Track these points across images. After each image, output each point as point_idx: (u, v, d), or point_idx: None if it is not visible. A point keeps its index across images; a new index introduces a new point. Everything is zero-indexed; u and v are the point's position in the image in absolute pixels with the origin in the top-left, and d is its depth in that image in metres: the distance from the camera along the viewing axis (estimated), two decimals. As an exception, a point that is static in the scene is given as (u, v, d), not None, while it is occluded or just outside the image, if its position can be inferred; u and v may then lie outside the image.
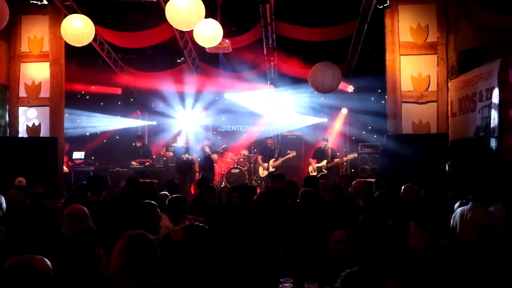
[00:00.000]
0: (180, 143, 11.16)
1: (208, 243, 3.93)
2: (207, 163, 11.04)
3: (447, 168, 7.25)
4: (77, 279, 3.45)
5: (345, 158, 11.57)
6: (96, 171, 10.84)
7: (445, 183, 6.91)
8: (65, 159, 10.94)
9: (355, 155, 11.31)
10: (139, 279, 2.28)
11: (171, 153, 11.06)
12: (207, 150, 10.90)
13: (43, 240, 3.73)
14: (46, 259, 2.17)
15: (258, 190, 7.39)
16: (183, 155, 10.50)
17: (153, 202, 4.42)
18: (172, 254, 3.72)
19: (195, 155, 10.93)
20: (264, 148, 11.75)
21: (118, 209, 4.93)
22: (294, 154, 11.59)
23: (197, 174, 10.62)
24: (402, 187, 5.58)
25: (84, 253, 3.59)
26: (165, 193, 5.31)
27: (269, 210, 5.02)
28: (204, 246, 3.88)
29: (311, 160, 11.19)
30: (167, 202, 4.18)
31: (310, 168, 11.09)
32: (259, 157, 11.62)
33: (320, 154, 11.03)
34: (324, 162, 10.89)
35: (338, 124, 13.44)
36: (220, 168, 12.64)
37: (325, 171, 10.81)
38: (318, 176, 10.61)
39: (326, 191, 6.21)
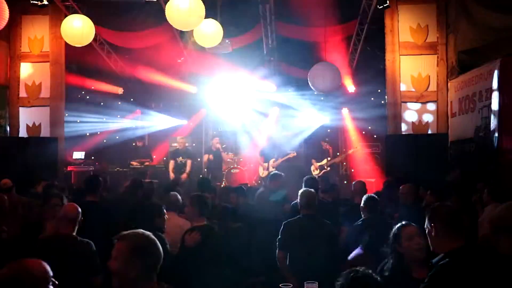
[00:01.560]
0: (178, 145, 11.13)
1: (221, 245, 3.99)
2: (216, 161, 10.99)
3: (451, 175, 7.24)
4: (77, 278, 3.47)
5: (346, 154, 11.58)
6: (96, 171, 10.85)
7: (445, 184, 6.91)
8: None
9: (356, 147, 11.32)
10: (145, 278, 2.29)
11: (172, 163, 10.91)
12: (218, 146, 10.89)
13: (43, 241, 3.74)
14: (42, 262, 2.13)
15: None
16: (177, 158, 10.48)
17: (159, 203, 4.47)
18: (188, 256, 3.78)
19: (206, 155, 10.86)
20: (264, 148, 11.76)
21: (120, 209, 4.96)
22: (295, 154, 11.59)
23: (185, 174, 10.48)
24: (400, 187, 5.58)
25: (84, 251, 3.60)
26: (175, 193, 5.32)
27: (268, 210, 5.04)
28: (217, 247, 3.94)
29: (313, 160, 11.21)
30: (194, 199, 4.31)
31: (312, 167, 11.11)
32: (259, 157, 11.62)
33: (320, 153, 11.07)
34: (325, 161, 10.91)
35: (338, 124, 13.43)
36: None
37: (328, 169, 10.83)
38: (320, 174, 10.65)
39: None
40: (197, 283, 3.70)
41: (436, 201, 5.34)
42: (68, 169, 10.97)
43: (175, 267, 3.73)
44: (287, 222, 4.41)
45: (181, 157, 10.47)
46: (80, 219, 3.80)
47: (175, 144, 11.72)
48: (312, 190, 4.66)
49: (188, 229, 4.08)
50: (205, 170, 11.04)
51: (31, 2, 8.76)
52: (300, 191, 4.60)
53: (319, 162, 11.05)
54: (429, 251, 2.86)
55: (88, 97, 13.03)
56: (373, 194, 5.08)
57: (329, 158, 10.96)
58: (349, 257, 4.11)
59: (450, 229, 2.72)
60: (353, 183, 6.11)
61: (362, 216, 4.72)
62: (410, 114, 9.43)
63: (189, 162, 10.67)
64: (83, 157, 11.82)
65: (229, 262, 3.91)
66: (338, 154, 11.76)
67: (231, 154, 12.12)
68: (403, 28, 9.35)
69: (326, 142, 11.25)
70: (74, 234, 3.71)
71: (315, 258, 4.04)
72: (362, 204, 4.75)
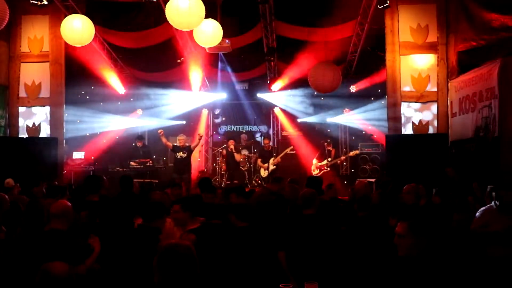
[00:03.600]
0: (179, 142, 11.16)
1: (222, 244, 3.97)
2: (232, 162, 11.38)
3: (449, 173, 7.25)
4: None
5: (346, 156, 11.57)
6: (96, 171, 10.84)
7: (444, 184, 6.91)
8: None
9: (357, 152, 11.32)
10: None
11: (170, 144, 11.01)
12: (232, 147, 11.32)
13: (41, 237, 3.76)
14: (62, 263, 2.19)
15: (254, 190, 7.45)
16: (177, 153, 10.54)
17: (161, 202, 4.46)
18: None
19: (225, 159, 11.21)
20: (262, 149, 11.78)
21: (120, 208, 4.97)
22: (293, 148, 11.66)
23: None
24: (404, 187, 5.58)
25: (75, 246, 3.62)
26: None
27: (268, 210, 5.02)
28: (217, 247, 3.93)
29: (314, 159, 11.19)
30: (185, 204, 4.23)
31: (313, 167, 11.11)
32: (258, 160, 11.64)
33: (322, 153, 11.04)
34: (325, 161, 10.88)
35: (338, 124, 13.45)
36: (220, 168, 12.68)
37: (327, 169, 10.81)
38: (320, 174, 10.65)
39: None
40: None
41: (441, 201, 5.35)
42: (69, 169, 10.96)
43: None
44: (288, 222, 4.40)
45: (181, 152, 10.50)
46: (72, 216, 3.86)
47: (175, 144, 11.71)
48: (313, 189, 4.64)
49: (183, 233, 4.03)
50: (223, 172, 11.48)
51: (31, 2, 8.77)
52: (302, 192, 4.60)
53: (320, 162, 11.03)
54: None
55: (88, 97, 13.03)
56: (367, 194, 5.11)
57: (329, 159, 10.93)
58: None
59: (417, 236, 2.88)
60: (356, 182, 6.11)
61: (360, 214, 4.74)
62: (410, 114, 9.43)
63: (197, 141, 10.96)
64: (83, 157, 11.81)
65: (232, 262, 3.90)
66: (339, 154, 11.75)
67: (246, 152, 12.11)
68: (403, 28, 9.35)
69: (328, 143, 11.19)
70: (66, 229, 3.76)
71: (315, 258, 4.03)
72: (356, 203, 4.80)
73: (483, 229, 4.52)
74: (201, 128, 13.40)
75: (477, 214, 4.69)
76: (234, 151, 11.30)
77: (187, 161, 10.57)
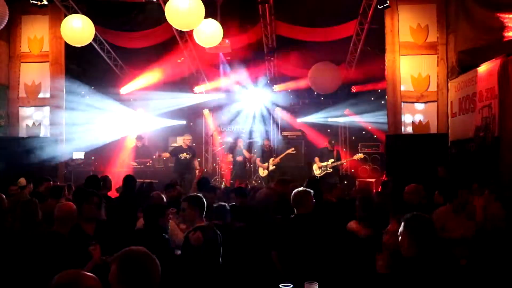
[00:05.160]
0: (179, 143, 11.17)
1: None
2: (241, 161, 11.38)
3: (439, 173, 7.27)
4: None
5: (351, 159, 11.54)
6: (96, 171, 10.83)
7: (434, 183, 6.89)
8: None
9: (362, 156, 11.26)
10: None
11: (166, 154, 11.05)
12: (240, 145, 11.35)
13: (37, 238, 3.75)
14: (95, 276, 2.08)
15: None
16: (180, 154, 10.53)
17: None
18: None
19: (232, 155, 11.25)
20: (261, 149, 11.77)
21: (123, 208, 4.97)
22: (293, 150, 11.61)
23: (197, 171, 10.66)
24: (406, 187, 5.58)
25: (73, 250, 3.61)
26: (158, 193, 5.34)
27: (271, 210, 5.03)
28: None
29: (316, 158, 11.10)
30: (193, 201, 4.22)
31: (315, 166, 11.00)
32: (257, 160, 11.63)
33: (325, 154, 10.98)
34: (330, 162, 10.80)
35: (338, 124, 13.46)
36: (220, 168, 12.68)
37: (330, 170, 10.75)
38: (322, 175, 10.59)
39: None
40: (201, 283, 3.70)
41: (444, 201, 5.35)
42: (68, 169, 10.95)
43: (179, 268, 3.74)
44: (280, 222, 4.39)
45: (185, 153, 10.50)
46: (75, 219, 3.85)
47: (174, 144, 11.73)
48: (307, 189, 4.61)
49: (190, 230, 4.05)
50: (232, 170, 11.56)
51: (31, 2, 8.78)
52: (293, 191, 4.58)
53: (322, 162, 10.92)
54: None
55: (88, 97, 13.02)
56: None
57: (333, 160, 10.84)
58: None
59: (415, 240, 2.92)
60: (357, 182, 6.11)
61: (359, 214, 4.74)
62: (410, 114, 9.43)
63: (196, 161, 10.88)
64: (83, 157, 11.80)
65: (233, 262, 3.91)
66: (341, 156, 11.72)
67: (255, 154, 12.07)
68: (403, 28, 9.34)
69: (331, 144, 11.09)
70: (67, 232, 3.74)
71: (309, 257, 4.02)
72: (356, 202, 4.80)
73: (440, 232, 4.53)
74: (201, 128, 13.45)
75: (434, 215, 4.70)
76: (242, 149, 11.30)
77: (190, 162, 10.59)
